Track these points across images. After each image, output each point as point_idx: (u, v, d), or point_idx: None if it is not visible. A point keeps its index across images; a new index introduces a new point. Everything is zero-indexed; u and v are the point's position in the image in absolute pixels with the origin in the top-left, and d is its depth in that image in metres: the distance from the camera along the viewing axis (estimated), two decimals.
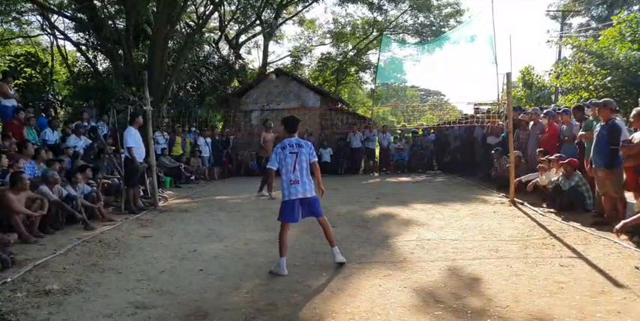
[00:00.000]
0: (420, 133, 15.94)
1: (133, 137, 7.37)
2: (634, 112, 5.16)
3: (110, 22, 16.33)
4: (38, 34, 21.15)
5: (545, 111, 8.36)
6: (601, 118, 5.57)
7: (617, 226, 4.36)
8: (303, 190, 4.24)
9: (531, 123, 8.54)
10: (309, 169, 4.36)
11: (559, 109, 8.08)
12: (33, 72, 13.45)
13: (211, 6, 18.95)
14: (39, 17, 19.03)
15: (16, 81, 10.89)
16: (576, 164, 6.43)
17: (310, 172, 4.37)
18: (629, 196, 5.59)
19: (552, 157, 6.94)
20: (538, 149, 7.57)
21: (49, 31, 19.80)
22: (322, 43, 27.97)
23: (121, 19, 16.98)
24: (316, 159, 4.43)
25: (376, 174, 14.15)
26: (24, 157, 6.66)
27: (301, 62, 27.67)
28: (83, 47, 18.10)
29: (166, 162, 11.44)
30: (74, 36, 18.34)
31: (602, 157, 5.44)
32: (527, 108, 11.47)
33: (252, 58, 28.63)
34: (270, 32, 22.77)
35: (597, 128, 5.61)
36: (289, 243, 5.38)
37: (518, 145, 8.55)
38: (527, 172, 7.79)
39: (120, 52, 16.05)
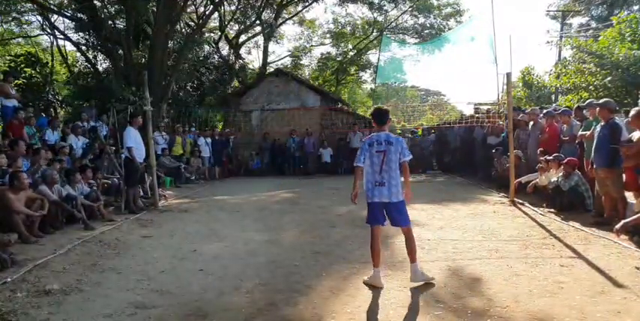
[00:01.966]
0: (420, 133, 15.94)
1: (132, 137, 7.37)
2: (633, 111, 5.15)
3: (110, 22, 16.32)
4: (38, 34, 21.14)
5: (545, 111, 8.35)
6: (601, 119, 5.57)
7: (617, 226, 4.36)
8: (388, 194, 3.77)
9: (531, 123, 8.54)
10: (399, 170, 3.81)
11: (559, 109, 8.08)
12: (33, 72, 13.47)
13: (211, 6, 18.94)
14: (39, 17, 19.03)
15: (16, 81, 10.88)
16: (576, 164, 6.43)
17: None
18: (630, 196, 5.59)
19: (550, 157, 6.94)
20: (539, 149, 7.57)
21: (49, 31, 19.79)
22: (322, 43, 27.96)
23: (121, 19, 16.97)
24: (407, 158, 3.84)
25: None
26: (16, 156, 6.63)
27: (301, 62, 27.67)
28: (83, 47, 18.09)
29: (166, 162, 11.44)
30: (74, 36, 18.34)
31: (602, 157, 5.43)
32: (526, 108, 11.47)
33: (252, 58, 28.65)
34: (270, 32, 22.74)
35: (597, 128, 5.61)
36: (289, 242, 5.40)
37: (519, 145, 8.55)
38: (528, 172, 7.79)
39: (120, 52, 16.04)
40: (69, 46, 20.93)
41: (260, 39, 25.35)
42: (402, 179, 3.86)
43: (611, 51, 11.57)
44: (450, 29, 21.61)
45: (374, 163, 3.81)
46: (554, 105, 10.75)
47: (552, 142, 7.56)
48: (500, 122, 9.80)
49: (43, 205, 5.59)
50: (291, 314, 3.28)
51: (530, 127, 8.59)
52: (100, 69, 18.26)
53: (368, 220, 3.92)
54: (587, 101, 7.23)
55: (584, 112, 6.88)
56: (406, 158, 3.82)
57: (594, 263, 4.14)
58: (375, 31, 25.10)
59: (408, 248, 3.82)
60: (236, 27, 24.86)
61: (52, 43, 21.31)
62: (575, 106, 7.95)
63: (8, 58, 16.10)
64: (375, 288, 3.69)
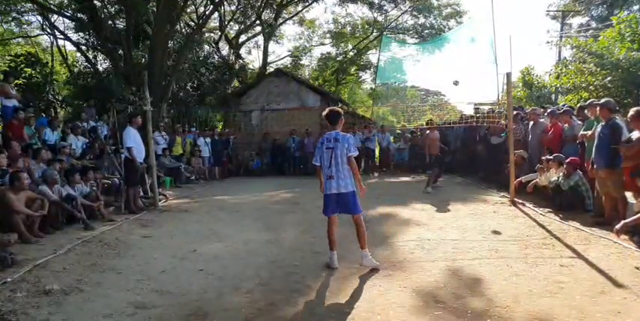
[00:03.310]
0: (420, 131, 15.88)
1: (132, 137, 7.37)
2: (631, 112, 5.15)
3: (110, 22, 16.34)
4: (38, 34, 21.16)
5: (548, 110, 8.34)
6: (602, 118, 5.57)
7: (618, 226, 4.37)
8: (337, 185, 4.17)
9: (531, 123, 8.54)
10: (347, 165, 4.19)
11: (561, 109, 8.07)
12: (33, 72, 13.48)
13: (211, 6, 18.95)
14: (39, 17, 19.06)
15: (16, 81, 10.88)
16: (578, 164, 6.42)
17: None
18: (630, 196, 5.59)
19: (551, 157, 6.94)
20: (545, 148, 7.55)
21: (49, 31, 19.80)
22: (322, 43, 27.96)
23: (121, 19, 16.99)
24: (353, 153, 4.21)
25: (376, 174, 14.15)
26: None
27: (301, 62, 27.68)
28: (83, 47, 18.12)
29: (166, 162, 11.44)
30: (74, 36, 18.38)
31: (603, 157, 5.43)
32: (526, 108, 11.46)
33: (252, 58, 28.66)
34: (270, 32, 22.76)
35: (598, 128, 5.61)
36: (289, 242, 5.40)
37: (516, 142, 8.51)
38: (530, 171, 7.77)
39: (120, 52, 16.06)
40: (69, 46, 20.98)
41: (260, 39, 25.42)
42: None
43: (611, 51, 11.56)
44: (450, 29, 21.60)
45: (324, 158, 4.25)
46: (561, 105, 10.72)
47: (556, 142, 7.56)
48: (502, 122, 9.79)
49: (43, 205, 5.59)
50: (291, 314, 3.28)
51: (530, 126, 8.59)
52: (100, 69, 18.29)
53: (324, 210, 4.36)
54: (589, 101, 7.22)
55: (586, 111, 6.87)
56: (351, 153, 4.20)
57: (594, 263, 4.13)
58: (375, 31, 25.10)
59: (358, 235, 4.23)
60: (236, 27, 24.90)
61: (52, 43, 21.35)
62: (578, 105, 7.94)
63: (8, 58, 16.09)
64: (331, 269, 4.22)
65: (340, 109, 4.50)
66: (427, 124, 10.75)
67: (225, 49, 24.11)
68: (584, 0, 23.06)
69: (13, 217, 5.19)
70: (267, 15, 23.25)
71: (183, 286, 3.88)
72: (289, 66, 26.00)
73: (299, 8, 24.87)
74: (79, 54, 19.75)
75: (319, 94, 16.62)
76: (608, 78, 11.30)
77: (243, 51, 25.61)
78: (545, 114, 8.30)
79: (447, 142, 13.79)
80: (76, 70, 19.32)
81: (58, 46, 20.84)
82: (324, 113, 4.41)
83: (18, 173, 5.52)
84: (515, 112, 8.99)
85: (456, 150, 13.26)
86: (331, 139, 4.23)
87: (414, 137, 15.03)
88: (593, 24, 22.36)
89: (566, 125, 7.37)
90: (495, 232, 5.57)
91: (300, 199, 8.81)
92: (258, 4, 21.67)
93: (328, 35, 27.39)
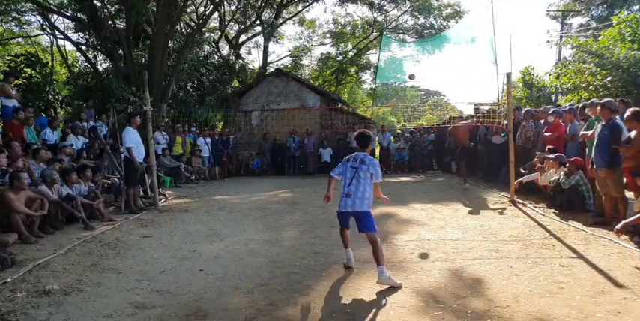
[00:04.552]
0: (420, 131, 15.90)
1: (131, 137, 7.37)
2: (628, 113, 5.14)
3: (110, 22, 16.33)
4: (38, 34, 21.15)
5: (552, 109, 8.35)
6: (602, 118, 5.57)
7: (618, 226, 4.37)
8: (352, 204, 4.16)
9: (541, 121, 8.53)
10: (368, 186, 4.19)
11: (565, 108, 8.07)
12: (33, 72, 13.42)
13: (211, 6, 18.95)
14: (39, 17, 19.05)
15: (16, 81, 10.87)
16: (580, 163, 6.42)
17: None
18: (630, 196, 5.59)
19: (551, 156, 6.94)
20: (547, 147, 7.56)
21: (49, 31, 19.80)
22: (322, 43, 27.97)
23: (121, 19, 16.97)
24: (379, 180, 4.27)
25: None
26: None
27: (301, 62, 27.67)
28: (83, 47, 18.10)
29: (166, 162, 11.44)
30: (74, 36, 18.38)
31: (603, 157, 5.43)
32: (526, 108, 11.42)
33: (252, 58, 28.70)
34: (270, 32, 22.75)
35: (598, 128, 5.61)
36: (289, 242, 5.40)
37: (525, 141, 8.51)
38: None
39: (120, 52, 16.05)
40: (69, 46, 21.00)
41: (260, 39, 25.41)
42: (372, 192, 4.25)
43: (611, 51, 11.57)
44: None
45: (346, 176, 4.26)
46: (566, 104, 10.71)
47: (559, 141, 7.56)
48: (503, 122, 9.79)
49: (42, 206, 5.59)
50: (291, 314, 3.28)
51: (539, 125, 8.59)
52: (100, 69, 18.28)
53: (339, 223, 4.44)
54: (590, 100, 7.22)
55: (586, 110, 6.87)
56: (378, 180, 4.27)
57: (594, 263, 4.13)
58: (375, 31, 25.10)
59: (374, 254, 3.98)
60: (236, 27, 24.90)
61: (52, 43, 21.36)
62: (580, 105, 7.94)
63: (8, 58, 16.07)
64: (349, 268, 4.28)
65: (370, 133, 4.59)
66: (450, 118, 10.73)
67: (225, 49, 24.14)
68: (584, 0, 23.06)
69: (13, 216, 5.19)
70: (267, 15, 23.26)
71: (183, 286, 3.88)
72: (289, 66, 26.00)
73: (299, 8, 24.89)
74: (79, 54, 19.74)
75: (319, 94, 16.63)
76: (608, 78, 11.31)
77: (243, 51, 25.64)
78: (549, 113, 8.30)
79: (446, 142, 13.80)
80: (76, 70, 19.31)
81: (58, 46, 20.85)
82: (355, 136, 4.52)
83: (18, 173, 5.52)
84: (525, 109, 8.99)
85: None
86: (358, 160, 4.26)
87: (413, 137, 15.05)
88: (593, 24, 22.37)
89: (569, 124, 7.37)
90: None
91: (300, 199, 8.81)
92: (258, 4, 21.68)
93: (328, 35, 27.42)
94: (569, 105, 8.91)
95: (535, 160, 7.60)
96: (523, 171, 7.63)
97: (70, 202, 6.17)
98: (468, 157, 9.95)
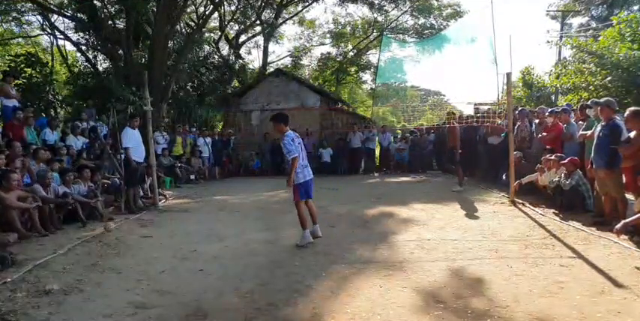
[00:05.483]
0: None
1: (129, 137, 7.36)
2: (628, 112, 5.14)
3: (110, 22, 16.34)
4: (38, 34, 21.16)
5: (549, 110, 8.35)
6: (602, 118, 5.56)
7: (618, 226, 4.36)
8: (309, 171, 5.27)
9: (536, 121, 8.54)
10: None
11: (558, 109, 8.09)
12: (33, 72, 13.41)
13: (211, 6, 18.96)
14: (39, 17, 19.06)
15: (16, 81, 10.87)
16: (578, 163, 6.42)
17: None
18: (630, 195, 5.58)
19: (552, 156, 6.94)
20: (546, 147, 7.55)
21: (49, 31, 19.81)
22: (322, 43, 27.96)
23: (121, 19, 16.98)
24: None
25: (376, 174, 14.15)
26: None
27: (301, 62, 27.68)
28: (83, 47, 18.10)
29: (164, 161, 11.42)
30: (74, 36, 18.36)
31: (602, 157, 5.43)
32: (525, 107, 11.44)
33: (252, 58, 28.62)
34: (270, 32, 22.76)
35: (598, 128, 5.60)
36: (290, 242, 5.40)
37: (521, 141, 8.51)
38: (530, 172, 7.76)
39: (120, 52, 16.05)
40: (69, 46, 20.99)
41: (260, 39, 25.42)
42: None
43: (611, 51, 11.56)
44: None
45: (300, 151, 5.10)
46: (564, 104, 10.73)
47: (557, 142, 7.56)
48: (500, 122, 9.79)
49: (35, 200, 5.60)
50: (291, 314, 3.28)
51: (534, 125, 8.60)
52: (100, 69, 18.28)
53: (300, 196, 5.13)
54: (591, 100, 7.22)
55: (587, 111, 6.87)
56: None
57: (594, 263, 4.13)
58: (375, 31, 25.09)
59: (311, 213, 5.23)
60: (236, 27, 24.90)
61: (52, 43, 21.38)
62: (579, 105, 7.94)
63: (8, 58, 16.07)
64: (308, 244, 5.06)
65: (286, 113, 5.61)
66: (449, 114, 10.68)
67: (225, 49, 24.13)
68: (584, 0, 23.06)
69: (9, 213, 5.18)
70: (267, 15, 23.26)
71: (183, 286, 3.87)
72: (289, 66, 26.00)
73: (299, 8, 24.88)
74: (79, 54, 19.74)
75: (319, 94, 16.62)
76: (608, 78, 11.31)
77: (243, 51, 25.62)
78: (547, 113, 8.31)
79: (446, 142, 13.78)
80: (76, 70, 19.29)
81: (58, 46, 20.86)
82: (277, 115, 5.31)
83: (7, 173, 5.47)
84: (520, 108, 8.99)
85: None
86: (297, 136, 5.24)
87: (414, 137, 15.04)
88: (593, 24, 22.37)
89: (566, 124, 7.38)
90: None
91: None
92: (258, 4, 21.68)
93: (328, 35, 27.40)
94: (566, 105, 8.92)
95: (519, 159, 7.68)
96: (524, 182, 7.56)
97: (65, 200, 6.17)
98: (463, 159, 9.93)
